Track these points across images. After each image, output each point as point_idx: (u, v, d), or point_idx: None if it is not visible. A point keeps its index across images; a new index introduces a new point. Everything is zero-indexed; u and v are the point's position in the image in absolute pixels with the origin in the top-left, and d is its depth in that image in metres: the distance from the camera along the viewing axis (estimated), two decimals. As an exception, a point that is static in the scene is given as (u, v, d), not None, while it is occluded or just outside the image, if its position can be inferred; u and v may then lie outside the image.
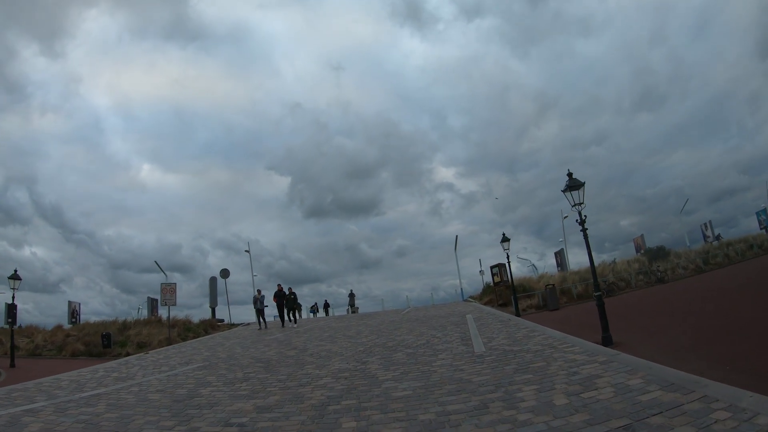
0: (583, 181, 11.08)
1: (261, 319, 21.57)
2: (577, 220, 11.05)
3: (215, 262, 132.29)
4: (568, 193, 11.04)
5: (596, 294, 10.45)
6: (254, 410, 6.28)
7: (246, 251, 37.48)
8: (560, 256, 46.02)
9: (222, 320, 26.61)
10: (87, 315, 45.66)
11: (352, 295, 46.72)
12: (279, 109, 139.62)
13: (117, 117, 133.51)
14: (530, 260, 65.46)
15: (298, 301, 22.51)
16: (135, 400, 7.71)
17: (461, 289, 49.88)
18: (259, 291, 22.55)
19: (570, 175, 11.18)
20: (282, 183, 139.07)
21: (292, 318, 21.47)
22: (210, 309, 27.76)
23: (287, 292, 21.47)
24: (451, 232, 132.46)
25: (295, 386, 7.67)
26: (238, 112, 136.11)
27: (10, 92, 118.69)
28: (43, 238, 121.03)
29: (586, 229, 11.05)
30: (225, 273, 26.44)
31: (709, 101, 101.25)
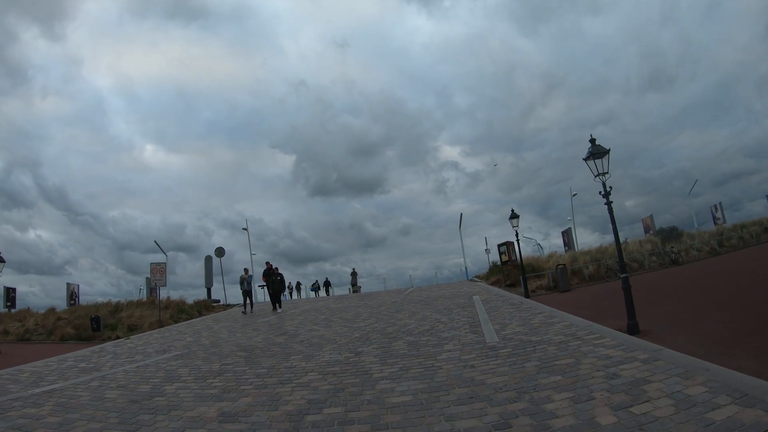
0: (607, 149, 9.76)
1: (248, 301, 20.13)
2: (600, 192, 9.78)
3: (219, 241, 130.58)
4: (590, 162, 9.74)
5: (622, 276, 9.23)
6: (217, 418, 5.10)
7: (244, 229, 36.55)
8: (567, 236, 44.79)
9: (218, 301, 25.74)
10: (93, 296, 44.30)
11: (354, 274, 45.75)
12: (283, 87, 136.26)
13: (119, 98, 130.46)
14: (535, 239, 64.52)
15: (285, 283, 21.19)
16: (88, 399, 6.57)
17: (465, 267, 48.83)
18: (246, 270, 20.91)
19: (593, 141, 9.85)
20: (287, 161, 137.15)
21: (277, 303, 19.93)
22: (206, 289, 26.87)
23: (274, 272, 19.94)
24: (456, 211, 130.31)
25: (274, 384, 6.49)
26: (241, 90, 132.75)
27: (11, 76, 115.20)
28: (48, 221, 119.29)
29: (611, 202, 9.76)
30: (220, 252, 25.35)
31: (717, 84, 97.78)
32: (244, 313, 19.32)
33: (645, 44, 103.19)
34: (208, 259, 25.67)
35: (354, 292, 44.74)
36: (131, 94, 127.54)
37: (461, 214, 46.83)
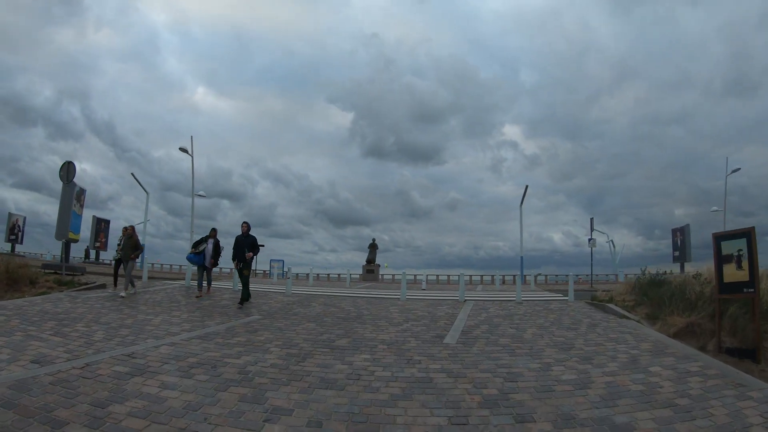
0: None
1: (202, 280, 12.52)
2: None
3: (262, 192, 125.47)
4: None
5: None
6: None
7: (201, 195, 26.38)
8: (682, 237, 32.13)
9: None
10: (144, 236, 39.25)
11: (373, 247, 34.81)
12: (346, 40, 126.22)
13: (174, 35, 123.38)
14: (607, 235, 51.82)
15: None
16: None
17: (521, 258, 36.93)
18: (214, 231, 12.70)
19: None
20: (341, 118, 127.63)
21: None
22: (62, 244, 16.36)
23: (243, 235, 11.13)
24: (504, 192, 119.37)
25: None
26: (300, 39, 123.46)
27: (67, 4, 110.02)
28: (94, 155, 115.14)
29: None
30: (68, 172, 14.25)
31: None
32: (199, 295, 12.22)
33: (736, 45, 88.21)
34: (66, 191, 14.52)
35: (368, 272, 34.04)
36: (186, 32, 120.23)
37: (526, 186, 34.99)
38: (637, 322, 9.11)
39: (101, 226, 40.85)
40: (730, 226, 37.08)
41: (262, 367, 5.52)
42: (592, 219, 23.61)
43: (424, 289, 19.16)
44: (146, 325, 7.92)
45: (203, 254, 12.11)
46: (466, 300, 12.55)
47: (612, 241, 50.20)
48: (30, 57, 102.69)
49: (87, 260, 39.16)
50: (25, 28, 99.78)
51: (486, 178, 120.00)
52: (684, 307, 8.94)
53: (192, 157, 22.93)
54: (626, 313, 9.75)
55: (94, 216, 40.36)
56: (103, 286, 13.07)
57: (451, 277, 41.96)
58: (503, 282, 32.52)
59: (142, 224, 39.79)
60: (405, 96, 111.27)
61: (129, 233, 11.91)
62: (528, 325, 8.72)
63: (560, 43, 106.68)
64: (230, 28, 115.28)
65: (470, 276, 41.75)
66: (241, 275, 10.91)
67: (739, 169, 28.92)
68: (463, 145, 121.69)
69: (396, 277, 42.72)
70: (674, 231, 36.33)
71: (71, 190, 15.30)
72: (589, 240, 23.58)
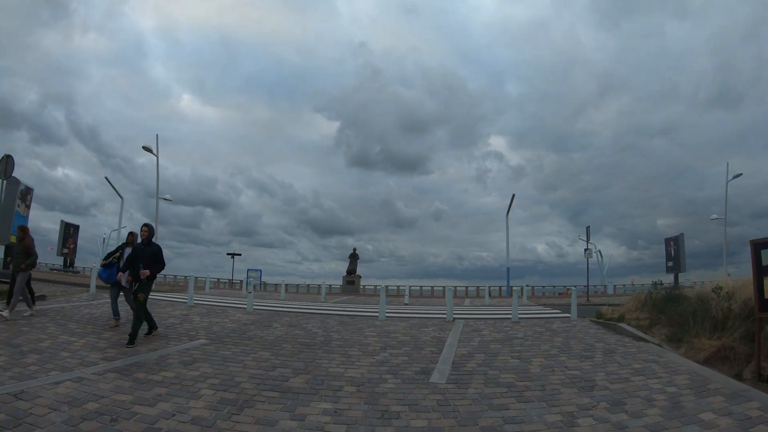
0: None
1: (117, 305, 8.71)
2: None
3: (246, 201, 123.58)
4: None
5: None
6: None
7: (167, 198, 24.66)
8: (676, 247, 31.09)
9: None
10: (115, 241, 37.69)
11: (354, 257, 33.16)
12: (334, 48, 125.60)
13: (161, 41, 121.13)
14: (593, 244, 50.81)
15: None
16: None
17: (508, 269, 35.53)
18: (132, 237, 8.42)
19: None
20: (327, 127, 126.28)
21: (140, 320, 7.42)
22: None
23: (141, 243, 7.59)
24: (488, 204, 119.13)
25: None
26: (288, 48, 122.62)
27: (54, 7, 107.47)
28: (77, 161, 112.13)
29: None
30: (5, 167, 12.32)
31: None
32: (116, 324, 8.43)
33: (722, 57, 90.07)
34: (7, 189, 12.54)
35: (348, 283, 32.32)
36: (174, 39, 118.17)
37: (513, 195, 34.10)
38: (658, 345, 7.68)
39: (70, 232, 38.58)
40: (715, 237, 36.46)
41: (178, 422, 3.90)
42: (588, 228, 22.37)
43: (407, 304, 17.57)
44: (62, 350, 6.25)
45: (115, 268, 8.07)
46: (455, 319, 11.00)
47: (600, 251, 49.34)
48: (16, 60, 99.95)
49: (66, 268, 36.94)
50: (11, 30, 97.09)
51: (471, 189, 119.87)
52: (711, 327, 7.55)
53: (157, 156, 21.06)
54: (643, 335, 8.29)
55: (62, 221, 38.19)
56: (43, 297, 11.34)
57: (435, 289, 40.41)
58: (491, 295, 30.98)
59: (116, 231, 38.14)
60: (392, 106, 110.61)
61: (20, 236, 9.06)
62: (532, 353, 7.18)
63: (547, 55, 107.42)
64: (218, 35, 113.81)
65: (455, 287, 40.34)
66: (135, 299, 7.39)
67: (741, 174, 28.10)
68: (448, 156, 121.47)
69: (379, 287, 41.05)
70: (667, 241, 35.31)
71: (13, 188, 13.59)
72: (586, 250, 22.28)
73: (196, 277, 39.84)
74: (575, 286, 43.04)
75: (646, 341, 7.95)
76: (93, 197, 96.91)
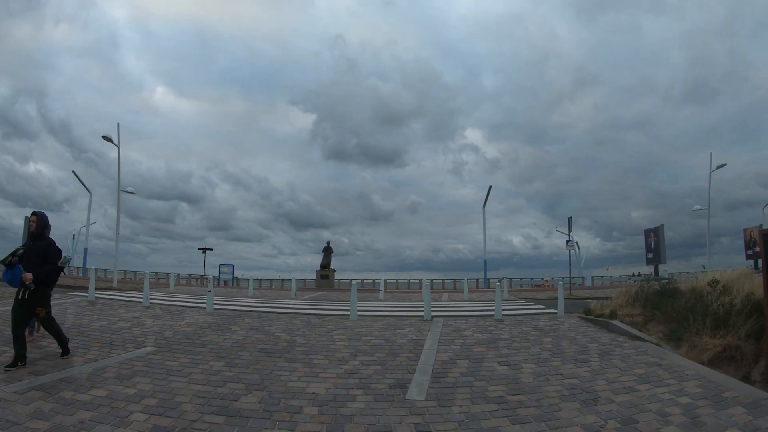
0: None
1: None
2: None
3: (222, 195, 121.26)
4: None
5: None
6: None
7: (129, 191, 23.39)
8: (656, 238, 31.09)
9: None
10: (90, 238, 36.37)
11: (327, 250, 32.20)
12: (311, 41, 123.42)
13: (134, 32, 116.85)
14: (569, 236, 50.94)
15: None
16: None
17: (485, 261, 35.11)
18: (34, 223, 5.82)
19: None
20: (303, 120, 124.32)
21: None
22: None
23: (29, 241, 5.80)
24: (464, 196, 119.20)
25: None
26: (264, 39, 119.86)
27: None
28: (50, 155, 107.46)
29: None
30: None
31: (749, 106, 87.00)
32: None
33: (697, 52, 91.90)
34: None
35: (322, 278, 31.37)
36: (147, 29, 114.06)
37: (489, 187, 33.60)
38: (657, 345, 7.03)
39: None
40: (688, 228, 36.69)
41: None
42: (570, 219, 21.76)
43: (381, 300, 16.73)
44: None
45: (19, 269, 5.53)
46: (433, 317, 10.20)
47: (577, 243, 49.33)
48: None
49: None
50: None
51: (447, 182, 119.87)
52: (712, 324, 6.92)
53: (118, 147, 19.65)
54: (639, 334, 7.64)
55: (26, 217, 35.93)
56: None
57: (411, 282, 39.76)
58: (469, 288, 29.93)
59: (86, 227, 36.28)
60: (368, 98, 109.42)
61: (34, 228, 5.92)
62: (521, 357, 6.42)
63: (524, 48, 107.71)
64: (193, 26, 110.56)
65: (432, 281, 39.68)
66: (34, 314, 5.71)
67: (725, 164, 28.05)
68: (424, 149, 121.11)
69: (354, 281, 39.92)
70: (647, 232, 35.21)
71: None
72: (568, 242, 21.76)
73: (167, 274, 38.08)
74: (552, 278, 43.15)
75: (643, 340, 7.29)
76: (66, 193, 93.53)
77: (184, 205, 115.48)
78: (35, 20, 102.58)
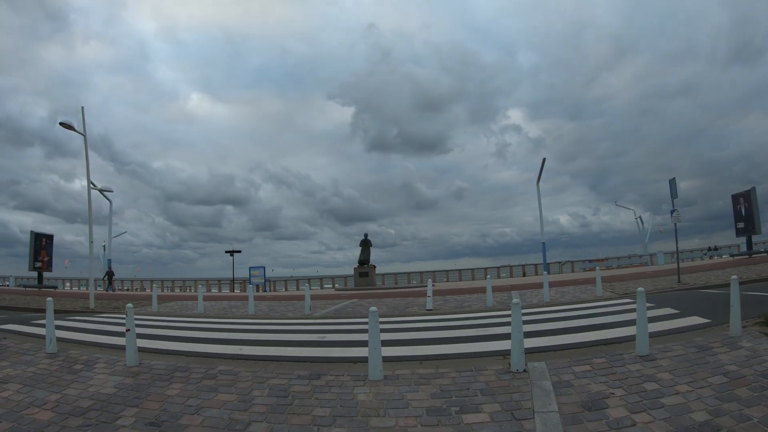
0: None
1: None
2: None
3: (266, 195, 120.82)
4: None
5: None
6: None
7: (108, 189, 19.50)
8: (748, 204, 24.95)
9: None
10: (139, 246, 34.57)
11: (365, 244, 27.62)
12: (341, 33, 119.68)
13: (163, 42, 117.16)
14: (634, 211, 44.41)
15: None
16: None
17: (543, 244, 30.07)
18: None
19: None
20: (341, 114, 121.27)
21: None
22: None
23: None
24: (507, 178, 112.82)
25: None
26: (293, 36, 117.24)
27: (52, 20, 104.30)
28: (94, 171, 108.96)
29: None
30: None
31: None
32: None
33: (739, 10, 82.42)
34: None
35: (360, 276, 26.79)
36: (176, 39, 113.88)
37: (543, 159, 28.34)
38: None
39: (42, 243, 33.86)
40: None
41: None
42: (673, 180, 16.28)
43: (429, 309, 11.99)
44: None
45: None
46: (527, 363, 5.29)
47: (640, 217, 42.79)
48: (20, 77, 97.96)
49: (40, 284, 32.26)
50: (11, 48, 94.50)
51: (490, 165, 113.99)
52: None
53: (84, 135, 15.66)
54: None
55: (32, 231, 33.49)
56: None
57: (462, 272, 34.82)
58: (525, 273, 24.49)
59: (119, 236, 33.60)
60: (406, 86, 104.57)
61: None
62: None
63: (557, 22, 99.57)
64: (220, 30, 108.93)
65: (486, 270, 34.69)
66: None
67: None
68: (466, 133, 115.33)
69: (400, 276, 35.35)
70: (735, 198, 28.57)
71: None
72: (673, 211, 16.29)
73: (183, 281, 34.44)
74: (607, 258, 37.02)
75: None
76: (113, 206, 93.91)
77: (229, 208, 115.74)
78: (64, 41, 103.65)
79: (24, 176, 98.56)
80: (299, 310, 13.52)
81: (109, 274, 31.13)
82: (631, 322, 7.45)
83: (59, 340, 8.22)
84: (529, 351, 5.66)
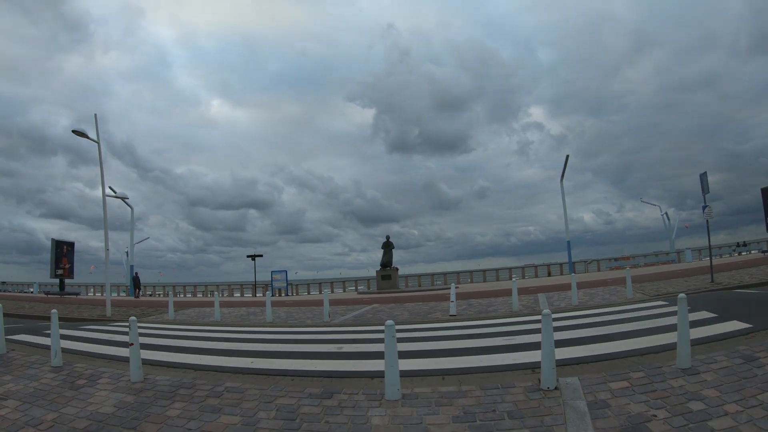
0: None
1: None
2: None
3: (288, 199, 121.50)
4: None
5: None
6: None
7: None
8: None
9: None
10: (163, 252, 35.44)
11: (387, 246, 27.14)
12: (358, 35, 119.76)
13: (182, 49, 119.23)
14: (659, 206, 42.98)
15: None
16: None
17: (568, 243, 29.52)
18: None
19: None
20: (361, 116, 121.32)
21: None
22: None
23: None
24: (530, 176, 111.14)
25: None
26: (310, 38, 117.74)
27: (72, 31, 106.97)
28: (118, 178, 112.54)
29: None
30: None
31: None
32: None
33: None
34: None
35: (383, 278, 26.30)
36: (194, 45, 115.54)
37: (567, 156, 27.58)
38: None
39: (63, 250, 34.23)
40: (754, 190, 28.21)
41: None
42: (704, 174, 15.46)
43: (453, 315, 11.49)
44: None
45: None
46: (558, 378, 4.78)
47: (666, 213, 41.43)
48: (42, 87, 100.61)
49: (62, 291, 32.61)
50: (33, 59, 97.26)
51: (513, 163, 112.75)
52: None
53: (98, 143, 15.58)
54: None
55: (53, 239, 33.86)
56: None
57: (487, 274, 34.08)
58: (551, 273, 23.48)
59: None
60: (425, 86, 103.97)
61: None
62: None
63: (575, 16, 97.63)
64: (238, 36, 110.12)
65: (510, 270, 33.93)
66: None
67: None
68: (487, 131, 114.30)
69: (423, 278, 34.64)
70: (765, 191, 27.21)
71: None
72: (705, 207, 15.47)
73: (217, 285, 34.41)
74: (633, 256, 35.74)
75: None
76: (137, 212, 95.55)
77: (252, 212, 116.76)
78: (85, 51, 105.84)
79: (49, 185, 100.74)
80: (318, 317, 13.16)
81: (136, 280, 31.25)
82: (667, 329, 6.90)
83: (68, 351, 8.01)
84: (560, 363, 5.15)
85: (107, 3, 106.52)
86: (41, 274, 34.17)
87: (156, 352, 7.89)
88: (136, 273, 32.17)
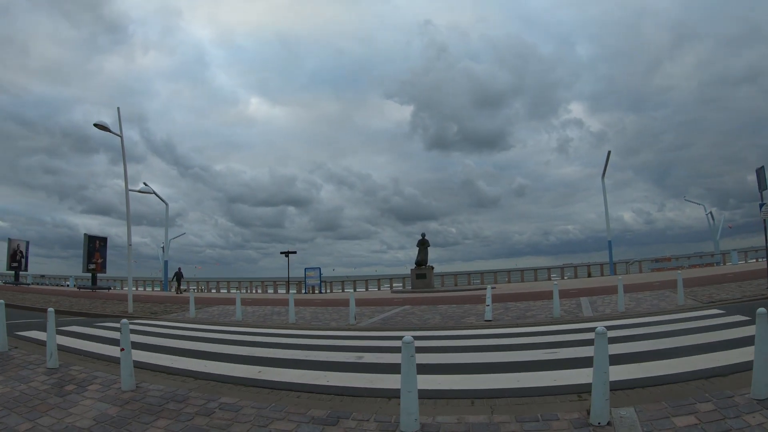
0: None
1: None
2: None
3: (327, 196, 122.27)
4: None
5: None
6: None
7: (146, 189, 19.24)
8: None
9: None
10: (202, 247, 36.08)
11: (422, 244, 26.37)
12: (395, 31, 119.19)
13: (220, 49, 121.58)
14: (704, 205, 40.51)
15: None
16: None
17: (609, 242, 28.48)
18: None
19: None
20: (399, 113, 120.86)
21: None
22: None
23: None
24: (569, 174, 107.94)
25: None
26: (347, 36, 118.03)
27: (112, 32, 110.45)
28: (158, 175, 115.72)
29: None
30: None
31: None
32: None
33: None
34: None
35: (418, 277, 25.47)
36: (232, 45, 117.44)
37: (609, 152, 26.39)
38: None
39: (96, 245, 34.83)
40: None
41: None
42: (761, 169, 14.03)
43: (488, 321, 10.61)
44: None
45: None
46: (611, 410, 3.90)
47: (711, 212, 39.00)
48: (83, 88, 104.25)
49: (94, 286, 33.12)
50: (74, 60, 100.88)
51: (552, 161, 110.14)
52: None
53: (121, 137, 15.35)
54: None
55: (85, 234, 34.48)
56: None
57: (525, 274, 32.80)
58: (590, 274, 21.76)
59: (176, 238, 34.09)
60: (464, 82, 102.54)
61: None
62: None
63: (614, 10, 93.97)
64: (275, 35, 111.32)
65: (548, 270, 32.56)
66: None
67: None
68: (527, 128, 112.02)
69: (460, 277, 33.40)
70: None
71: None
72: (762, 206, 14.04)
73: (250, 282, 34.37)
74: (673, 258, 33.62)
75: None
76: (176, 208, 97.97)
77: (291, 209, 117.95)
78: (124, 52, 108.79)
79: (91, 181, 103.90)
80: (344, 319, 12.48)
81: (178, 275, 31.30)
82: (730, 344, 5.92)
83: (71, 351, 7.61)
84: (612, 386, 4.26)
85: (145, 4, 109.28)
86: (80, 269, 34.82)
87: (159, 354, 7.37)
88: (179, 268, 32.24)
